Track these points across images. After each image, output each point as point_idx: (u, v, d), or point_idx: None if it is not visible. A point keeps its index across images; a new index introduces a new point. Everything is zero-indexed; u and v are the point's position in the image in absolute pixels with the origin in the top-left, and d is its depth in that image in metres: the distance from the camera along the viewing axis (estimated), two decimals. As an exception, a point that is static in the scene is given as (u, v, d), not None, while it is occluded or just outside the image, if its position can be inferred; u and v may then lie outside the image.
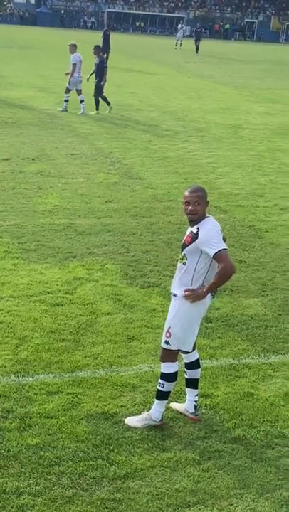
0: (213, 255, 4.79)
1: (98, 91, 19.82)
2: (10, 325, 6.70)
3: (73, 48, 19.98)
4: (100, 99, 19.91)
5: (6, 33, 55.19)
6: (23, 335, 6.52)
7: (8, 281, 7.77)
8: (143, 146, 15.77)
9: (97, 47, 20.69)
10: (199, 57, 46.74)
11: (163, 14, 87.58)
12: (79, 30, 72.61)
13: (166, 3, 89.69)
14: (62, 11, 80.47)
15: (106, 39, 34.02)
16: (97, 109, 19.92)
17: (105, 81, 20.15)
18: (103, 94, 19.89)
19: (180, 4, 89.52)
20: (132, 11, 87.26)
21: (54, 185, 11.93)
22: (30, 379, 5.77)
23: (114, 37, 64.89)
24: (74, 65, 20.34)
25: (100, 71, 19.92)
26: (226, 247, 4.84)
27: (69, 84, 19.97)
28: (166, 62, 41.56)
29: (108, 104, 19.95)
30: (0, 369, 5.90)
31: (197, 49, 50.20)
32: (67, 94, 20.14)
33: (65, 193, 11.44)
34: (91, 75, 20.38)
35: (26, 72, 28.03)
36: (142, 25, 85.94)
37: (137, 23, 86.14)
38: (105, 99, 19.86)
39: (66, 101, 20.18)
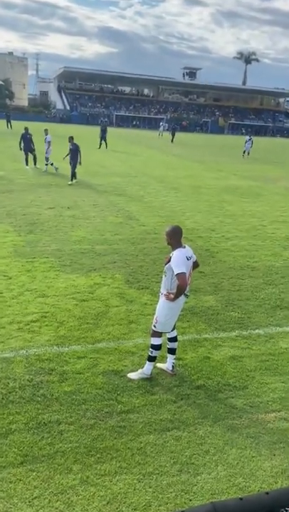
0: (175, 275, 4.88)
1: (73, 168, 18.14)
2: (53, 314, 6.68)
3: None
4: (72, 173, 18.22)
5: (52, 127, 55.63)
6: (61, 320, 6.50)
7: (52, 285, 7.75)
8: (138, 199, 15.85)
9: (70, 137, 18.51)
10: (174, 144, 45.90)
11: (150, 116, 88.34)
12: (97, 126, 73.00)
13: (152, 109, 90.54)
14: (88, 114, 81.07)
15: (103, 131, 33.89)
16: (72, 180, 18.16)
17: (80, 162, 18.24)
18: (75, 171, 18.24)
19: (161, 110, 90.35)
20: (130, 114, 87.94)
21: (82, 224, 11.93)
22: (66, 348, 5.74)
23: (119, 130, 65.94)
24: (49, 142, 21.22)
25: (76, 154, 18.11)
26: (183, 270, 4.88)
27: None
28: (152, 146, 41.91)
29: (72, 179, 18.14)
30: (47, 342, 5.87)
31: (172, 139, 48.74)
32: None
33: (88, 229, 11.44)
34: (66, 156, 18.47)
35: (60, 152, 28.16)
36: (137, 123, 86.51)
37: (134, 122, 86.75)
38: (74, 175, 18.23)
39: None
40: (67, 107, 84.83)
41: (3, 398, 4.71)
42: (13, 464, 3.93)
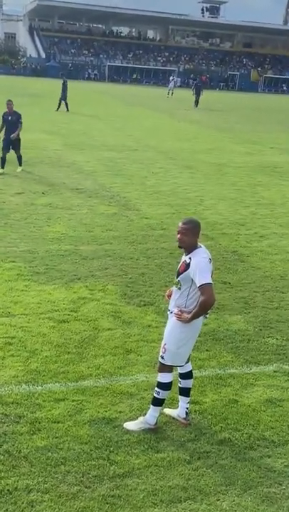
0: (198, 286, 4.83)
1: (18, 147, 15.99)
2: (21, 339, 6.68)
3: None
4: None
5: (20, 83, 55.73)
6: (33, 348, 6.50)
7: (21, 300, 7.75)
8: (139, 181, 15.87)
9: (9, 101, 15.79)
10: (198, 109, 42.96)
11: (157, 67, 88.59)
12: (83, 82, 73.32)
13: (159, 58, 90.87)
14: (70, 65, 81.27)
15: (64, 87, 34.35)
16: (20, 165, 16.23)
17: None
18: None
19: (172, 59, 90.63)
20: (129, 65, 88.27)
21: (61, 215, 11.96)
22: (40, 387, 5.73)
23: (114, 87, 66.08)
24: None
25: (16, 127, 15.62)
26: (210, 281, 4.86)
27: None
28: (159, 109, 41.98)
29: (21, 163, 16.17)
30: (13, 379, 5.86)
31: (197, 102, 45.07)
32: None
33: (71, 223, 11.47)
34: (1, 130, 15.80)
35: (36, 118, 28.20)
36: (138, 77, 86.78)
37: (134, 75, 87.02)
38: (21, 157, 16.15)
39: None
40: (42, 55, 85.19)
41: None
42: None
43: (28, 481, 4.48)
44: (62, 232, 10.87)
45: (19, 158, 15.95)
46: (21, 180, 14.97)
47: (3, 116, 15.58)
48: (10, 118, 15.43)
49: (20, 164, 16.03)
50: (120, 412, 5.41)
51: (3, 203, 12.59)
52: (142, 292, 8.26)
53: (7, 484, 4.44)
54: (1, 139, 15.61)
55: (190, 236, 5.03)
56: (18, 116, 15.56)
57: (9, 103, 15.65)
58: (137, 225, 11.64)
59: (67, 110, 33.78)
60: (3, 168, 15.68)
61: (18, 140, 15.70)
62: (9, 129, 15.42)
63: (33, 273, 8.73)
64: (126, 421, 5.25)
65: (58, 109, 34.00)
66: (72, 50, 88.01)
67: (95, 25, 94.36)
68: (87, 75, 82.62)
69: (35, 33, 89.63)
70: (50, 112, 32.65)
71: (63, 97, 34.23)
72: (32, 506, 4.25)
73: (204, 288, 4.83)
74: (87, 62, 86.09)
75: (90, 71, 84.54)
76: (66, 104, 34.06)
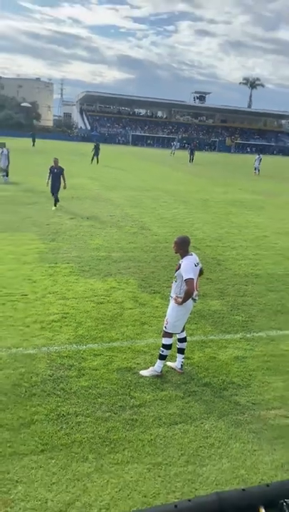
0: (184, 280, 4.87)
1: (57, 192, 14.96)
2: (72, 314, 6.70)
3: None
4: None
5: (73, 146, 56.15)
6: (80, 320, 6.52)
7: (72, 288, 7.78)
8: (151, 211, 15.88)
9: (56, 159, 14.97)
10: (192, 164, 41.17)
11: (163, 136, 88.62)
12: (114, 145, 73.57)
13: (165, 130, 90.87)
14: (106, 134, 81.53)
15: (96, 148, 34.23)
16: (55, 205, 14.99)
17: (65, 186, 14.98)
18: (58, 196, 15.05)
19: (173, 130, 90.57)
20: (145, 134, 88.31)
21: (99, 233, 11.98)
22: (84, 346, 5.75)
23: (135, 149, 66.33)
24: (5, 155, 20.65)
25: (59, 178, 14.74)
26: (191, 276, 4.88)
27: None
28: (165, 163, 42.02)
29: (56, 203, 15.02)
30: (66, 340, 5.88)
31: (191, 159, 42.79)
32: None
33: (105, 238, 11.48)
34: (48, 180, 14.87)
35: (83, 169, 28.35)
36: (151, 142, 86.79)
37: (148, 141, 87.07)
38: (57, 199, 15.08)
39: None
40: (88, 127, 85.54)
41: (26, 391, 4.73)
42: (34, 451, 3.93)
43: (76, 409, 4.48)
44: (100, 244, 10.90)
45: (56, 200, 14.91)
46: (73, 210, 15.03)
47: (50, 169, 14.82)
48: (55, 171, 14.75)
49: (55, 205, 14.82)
50: (137, 363, 5.41)
51: (61, 225, 12.65)
52: (152, 284, 8.26)
53: (62, 410, 4.46)
54: (49, 185, 14.90)
55: (179, 247, 5.09)
56: (62, 170, 14.78)
57: (55, 160, 14.96)
58: (149, 240, 11.63)
59: (97, 163, 33.39)
60: (55, 205, 14.83)
61: (59, 187, 14.84)
62: (54, 178, 14.72)
63: (81, 271, 8.76)
64: (141, 369, 5.26)
65: (91, 162, 33.70)
66: (108, 124, 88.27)
67: (123, 108, 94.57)
68: (117, 141, 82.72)
69: (83, 113, 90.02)
70: (92, 165, 32.81)
71: (96, 154, 33.90)
72: (79, 425, 4.26)
73: (187, 281, 4.86)
74: (118, 132, 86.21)
75: (119, 138, 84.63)
76: (97, 160, 33.76)
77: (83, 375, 5.08)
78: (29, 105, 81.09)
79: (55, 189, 14.82)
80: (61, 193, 15.34)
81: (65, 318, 6.55)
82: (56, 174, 14.71)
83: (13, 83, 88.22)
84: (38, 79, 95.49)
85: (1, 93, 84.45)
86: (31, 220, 12.93)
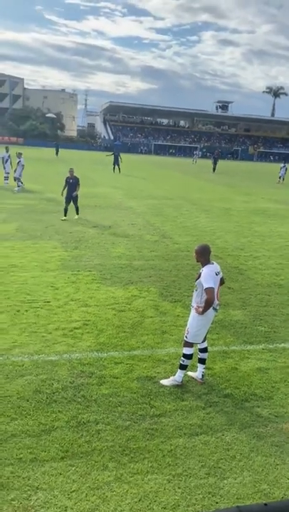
0: (204, 289, 4.84)
1: (76, 201, 14.75)
2: (94, 322, 6.73)
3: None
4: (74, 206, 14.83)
5: (96, 156, 56.88)
6: (101, 328, 6.53)
7: (94, 296, 7.82)
8: (172, 219, 15.86)
9: (71, 169, 14.83)
10: (215, 174, 40.24)
11: (185, 145, 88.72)
12: (137, 155, 74.10)
13: (187, 139, 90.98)
14: (129, 143, 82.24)
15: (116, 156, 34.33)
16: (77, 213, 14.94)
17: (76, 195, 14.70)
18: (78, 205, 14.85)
19: (195, 139, 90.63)
20: (167, 143, 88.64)
21: (121, 241, 12.03)
22: (105, 354, 5.75)
23: (157, 158, 66.68)
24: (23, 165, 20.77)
25: (75, 188, 14.52)
26: (212, 285, 4.84)
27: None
28: (186, 172, 42.04)
29: (78, 212, 14.95)
30: (88, 347, 5.90)
31: (214, 168, 41.41)
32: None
33: (127, 246, 11.53)
34: (64, 190, 14.66)
35: (106, 178, 28.63)
36: (173, 151, 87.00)
37: (170, 150, 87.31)
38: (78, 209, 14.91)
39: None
40: (111, 137, 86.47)
41: (47, 397, 4.76)
42: (54, 458, 3.94)
43: (96, 416, 4.48)
44: (122, 252, 10.94)
45: (77, 209, 14.83)
46: (95, 218, 15.16)
47: (66, 180, 14.57)
48: (71, 181, 14.50)
49: (77, 213, 14.84)
50: (158, 372, 5.38)
51: (84, 233, 12.78)
52: (173, 293, 8.22)
53: (83, 418, 4.46)
54: (64, 195, 14.81)
55: (200, 255, 5.06)
56: (77, 180, 14.56)
57: (71, 170, 14.70)
58: (170, 248, 11.61)
59: (119, 172, 33.47)
60: (65, 216, 14.54)
61: (76, 196, 14.67)
62: (70, 188, 14.50)
63: (102, 278, 8.81)
64: (162, 379, 5.22)
65: (113, 171, 33.81)
66: (131, 134, 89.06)
67: (145, 117, 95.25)
68: (139, 150, 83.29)
69: (107, 123, 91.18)
70: (114, 174, 33.09)
71: (116, 163, 33.93)
72: (99, 433, 4.25)
73: (207, 290, 4.81)
74: (140, 141, 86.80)
75: (142, 147, 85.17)
76: (119, 169, 33.82)
77: (104, 382, 5.08)
78: (54, 116, 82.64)
79: (71, 199, 14.61)
80: (85, 201, 15.51)
81: (87, 325, 6.58)
82: (72, 184, 14.57)
83: (39, 94, 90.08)
84: (62, 90, 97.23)
85: (26, 104, 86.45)
86: (54, 228, 13.11)
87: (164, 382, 5.15)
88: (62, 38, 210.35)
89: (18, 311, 6.96)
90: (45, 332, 6.27)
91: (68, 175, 14.64)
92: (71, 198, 14.62)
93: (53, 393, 4.83)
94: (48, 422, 4.36)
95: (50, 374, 5.20)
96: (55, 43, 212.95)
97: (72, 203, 14.70)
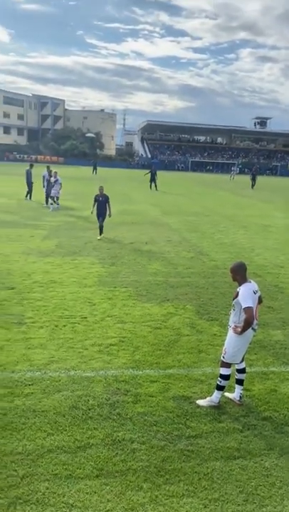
0: (242, 308, 4.75)
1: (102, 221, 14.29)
2: (130, 339, 6.73)
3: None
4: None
5: (134, 173, 57.72)
6: (137, 345, 6.52)
7: (130, 312, 7.84)
8: (209, 236, 15.77)
9: (101, 187, 14.36)
10: (254, 190, 39.67)
11: (223, 161, 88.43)
12: (174, 172, 74.52)
13: (224, 155, 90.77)
14: (166, 161, 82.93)
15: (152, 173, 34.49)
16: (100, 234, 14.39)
17: (110, 214, 14.36)
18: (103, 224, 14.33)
19: (233, 156, 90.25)
20: (204, 160, 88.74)
21: (157, 257, 12.06)
22: (140, 372, 5.72)
23: (194, 175, 66.81)
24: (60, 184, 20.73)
25: (105, 206, 14.16)
26: (250, 305, 4.74)
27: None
28: (224, 188, 41.81)
29: (101, 233, 14.39)
30: (123, 365, 5.90)
31: (253, 185, 40.91)
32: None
33: (163, 263, 11.53)
34: (93, 208, 14.39)
35: (143, 195, 28.91)
36: (210, 168, 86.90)
37: (208, 167, 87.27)
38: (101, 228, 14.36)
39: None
40: (148, 155, 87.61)
41: (83, 414, 4.77)
42: (89, 476, 3.92)
43: (132, 435, 4.45)
44: (158, 268, 10.95)
45: (101, 228, 14.21)
46: (132, 234, 15.29)
47: (95, 198, 14.19)
48: (100, 199, 14.11)
49: (100, 233, 14.26)
50: (194, 392, 5.29)
51: (121, 249, 12.91)
52: (210, 311, 8.11)
53: (118, 436, 4.44)
54: (94, 213, 14.27)
55: (235, 273, 4.99)
56: (107, 198, 14.12)
57: (101, 188, 14.25)
58: (207, 265, 11.51)
59: (156, 189, 33.61)
60: (101, 234, 14.29)
61: (105, 215, 14.18)
62: (99, 206, 14.10)
63: (138, 295, 8.83)
64: (198, 399, 5.13)
65: (150, 188, 33.98)
66: (168, 152, 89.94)
67: (183, 135, 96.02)
68: (176, 167, 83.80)
69: (144, 141, 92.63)
70: (151, 191, 33.39)
71: (152, 180, 34.08)
72: (134, 452, 4.21)
73: (245, 310, 4.71)
74: (177, 159, 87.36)
75: (178, 165, 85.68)
76: (156, 186, 33.95)
77: (139, 401, 5.04)
78: (93, 135, 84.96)
79: (100, 217, 14.21)
80: (121, 218, 15.70)
81: (123, 342, 6.59)
82: (101, 202, 14.12)
83: (79, 115, 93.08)
84: (102, 110, 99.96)
85: (67, 125, 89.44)
86: (92, 245, 13.33)
87: (201, 402, 5.05)
88: (102, 60, 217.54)
89: (57, 326, 7.08)
90: (81, 348, 6.33)
91: (98, 193, 14.28)
92: (102, 215, 14.18)
93: (89, 410, 4.84)
94: (83, 439, 4.37)
95: (87, 390, 5.22)
96: (95, 65, 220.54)
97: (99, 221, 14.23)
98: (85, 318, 7.47)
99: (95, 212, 14.36)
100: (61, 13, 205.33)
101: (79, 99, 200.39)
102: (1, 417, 4.63)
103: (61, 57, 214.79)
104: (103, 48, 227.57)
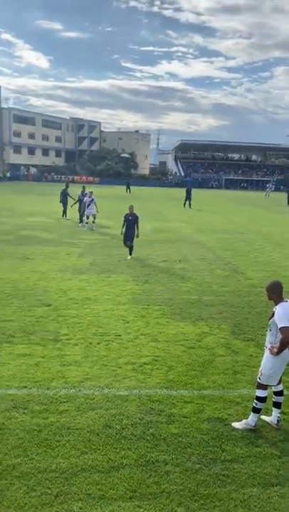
0: (279, 328, 4.62)
1: (132, 241, 13.88)
2: (164, 358, 6.67)
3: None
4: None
5: (168, 192, 58.10)
6: (170, 364, 6.45)
7: (163, 331, 7.79)
8: (244, 254, 15.53)
9: (131, 206, 14.03)
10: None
11: (257, 179, 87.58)
12: (207, 189, 74.39)
13: (259, 172, 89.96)
14: (200, 179, 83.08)
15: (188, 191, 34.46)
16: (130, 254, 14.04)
17: (137, 235, 13.95)
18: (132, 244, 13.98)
19: (268, 173, 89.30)
20: (239, 178, 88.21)
21: (191, 276, 11.98)
22: (174, 392, 5.65)
23: (228, 192, 66.46)
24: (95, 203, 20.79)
25: (134, 226, 13.75)
26: (287, 325, 4.62)
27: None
28: (259, 205, 41.26)
29: (131, 252, 14.06)
30: (157, 384, 5.84)
31: (288, 202, 40.26)
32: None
33: (197, 281, 11.44)
34: (123, 228, 13.83)
35: (177, 213, 28.93)
36: (245, 185, 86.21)
37: (242, 184, 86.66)
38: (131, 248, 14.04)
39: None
40: (182, 173, 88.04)
41: (117, 433, 4.74)
42: (122, 497, 3.87)
43: (165, 457, 4.37)
44: (191, 287, 10.86)
45: (131, 248, 13.90)
46: (166, 252, 15.30)
47: (125, 217, 13.77)
48: (130, 218, 13.69)
49: (130, 253, 13.94)
50: (229, 414, 5.16)
51: (154, 267, 12.93)
52: (246, 331, 7.94)
53: (151, 457, 4.38)
54: (123, 234, 13.88)
55: (271, 292, 4.89)
56: (136, 218, 13.74)
57: (131, 207, 13.93)
58: (243, 284, 11.32)
59: (190, 207, 33.61)
60: (131, 254, 13.96)
61: (133, 235, 13.78)
62: (129, 226, 13.67)
63: (172, 313, 8.77)
64: (233, 421, 4.99)
65: (184, 206, 33.96)
66: (202, 170, 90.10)
67: (216, 153, 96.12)
68: (210, 185, 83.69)
69: (178, 160, 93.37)
70: (185, 209, 33.42)
71: (188, 198, 34.08)
72: (167, 475, 4.13)
73: (282, 330, 4.59)
74: (211, 177, 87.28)
75: (212, 182, 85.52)
76: (190, 204, 33.98)
77: (173, 421, 4.96)
78: (128, 156, 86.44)
79: (129, 238, 13.77)
80: (155, 236, 15.76)
81: (156, 361, 6.53)
82: (131, 222, 13.70)
83: (114, 136, 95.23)
84: (136, 131, 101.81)
85: (103, 146, 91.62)
86: (126, 262, 13.42)
87: (236, 425, 4.91)
88: (136, 83, 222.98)
89: (91, 343, 7.13)
90: (115, 366, 6.32)
91: (128, 212, 13.88)
92: (130, 236, 13.75)
93: (123, 429, 4.81)
94: (116, 459, 4.33)
95: (120, 409, 5.19)
96: (130, 88, 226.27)
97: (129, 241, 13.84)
98: (119, 335, 7.48)
99: (123, 232, 13.80)
100: (98, 39, 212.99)
101: (114, 120, 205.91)
102: (36, 434, 4.67)
103: (98, 81, 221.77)
104: (138, 70, 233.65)
